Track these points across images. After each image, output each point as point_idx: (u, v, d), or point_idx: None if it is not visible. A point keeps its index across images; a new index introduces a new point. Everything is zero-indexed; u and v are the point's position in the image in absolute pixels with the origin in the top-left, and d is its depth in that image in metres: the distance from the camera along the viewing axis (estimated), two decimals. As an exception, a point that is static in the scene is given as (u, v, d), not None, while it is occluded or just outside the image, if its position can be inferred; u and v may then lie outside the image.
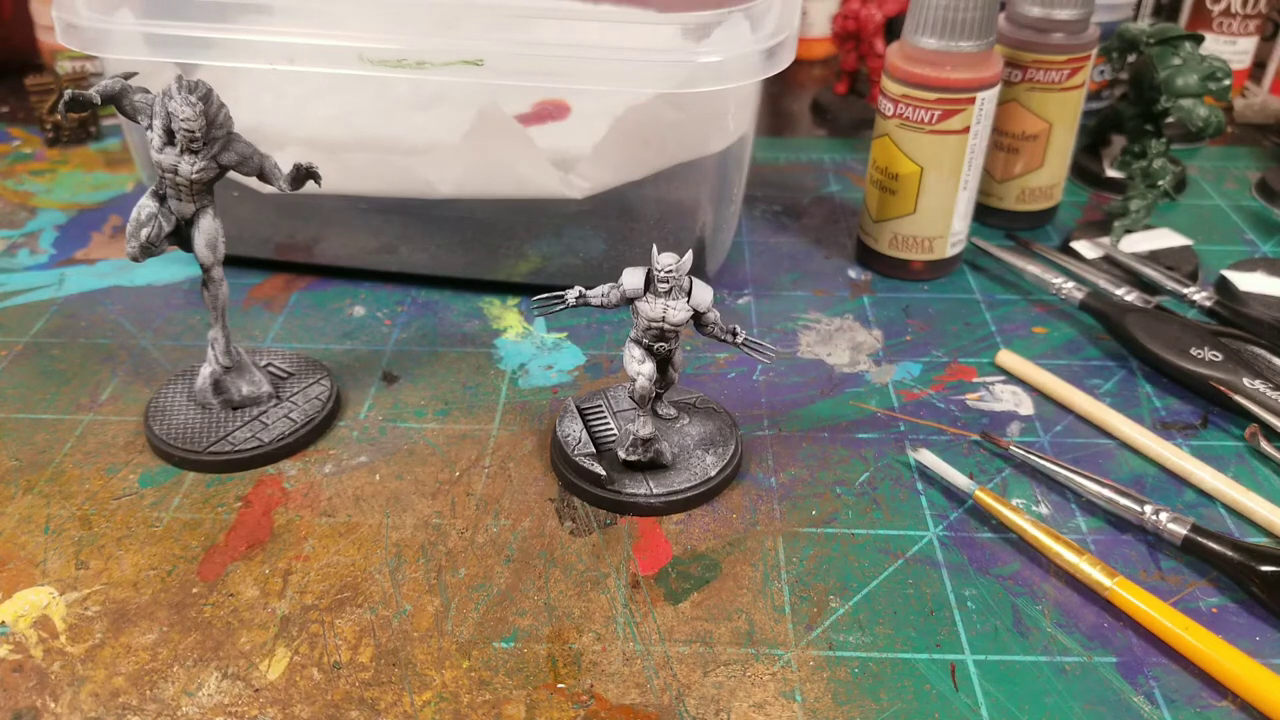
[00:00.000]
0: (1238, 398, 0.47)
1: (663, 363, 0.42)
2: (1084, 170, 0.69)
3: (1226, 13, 0.77)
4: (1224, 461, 0.45)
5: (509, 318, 0.54)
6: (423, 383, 0.49)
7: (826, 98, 0.81)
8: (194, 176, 0.41)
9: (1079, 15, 0.57)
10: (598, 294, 0.40)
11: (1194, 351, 0.48)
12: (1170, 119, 0.58)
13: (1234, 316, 0.52)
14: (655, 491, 0.42)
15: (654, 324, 0.40)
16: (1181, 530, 0.39)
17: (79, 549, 0.40)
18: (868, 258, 0.59)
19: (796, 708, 0.34)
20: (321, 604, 0.38)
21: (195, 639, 0.36)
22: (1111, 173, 0.67)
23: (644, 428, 0.42)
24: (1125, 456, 0.45)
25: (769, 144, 0.75)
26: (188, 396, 0.46)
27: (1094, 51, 0.59)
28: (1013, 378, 0.50)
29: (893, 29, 0.78)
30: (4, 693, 0.34)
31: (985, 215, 0.63)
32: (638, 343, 0.41)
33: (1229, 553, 0.38)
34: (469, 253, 0.55)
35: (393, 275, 0.57)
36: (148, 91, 0.41)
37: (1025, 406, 0.48)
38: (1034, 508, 0.42)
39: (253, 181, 0.45)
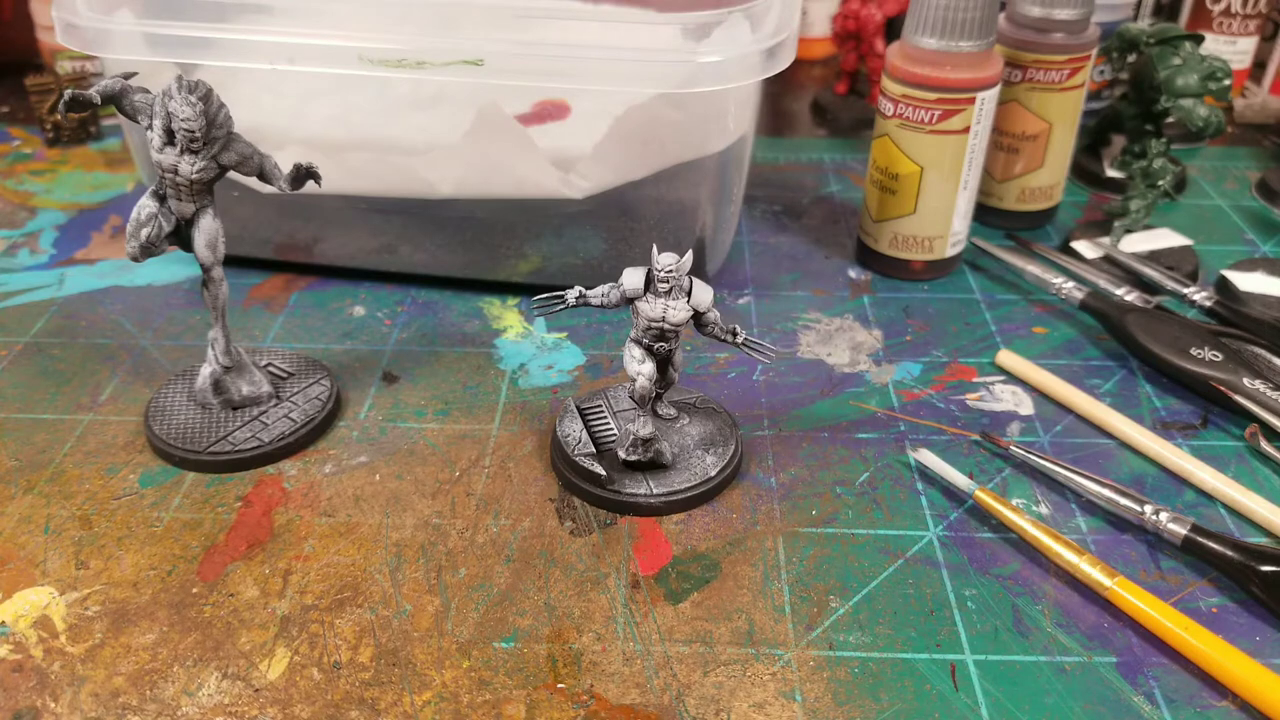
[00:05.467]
0: (1238, 398, 0.47)
1: (663, 363, 0.42)
2: (1084, 170, 0.69)
3: (1226, 13, 0.77)
4: (1224, 461, 0.45)
5: (509, 318, 0.54)
6: (423, 383, 0.49)
7: (826, 98, 0.81)
8: (194, 176, 0.41)
9: (1079, 15, 0.57)
10: (598, 294, 0.40)
11: (1194, 351, 0.48)
12: (1170, 119, 0.58)
13: (1234, 316, 0.52)
14: (655, 491, 0.42)
15: (654, 324, 0.40)
16: (1181, 530, 0.39)
17: (79, 549, 0.40)
18: (868, 258, 0.59)
19: (796, 708, 0.34)
20: (321, 604, 0.38)
21: (195, 639, 0.36)
22: (1111, 173, 0.67)
23: (644, 428, 0.42)
24: (1125, 456, 0.45)
25: (769, 144, 0.75)
26: (188, 396, 0.46)
27: (1094, 51, 0.59)
28: (1013, 378, 0.50)
29: (893, 29, 0.78)
30: (4, 693, 0.34)
31: (985, 215, 0.63)
32: (638, 343, 0.41)
33: (1229, 553, 0.38)
34: (469, 253, 0.55)
35: (393, 275, 0.57)
36: (148, 91, 0.40)
37: (1025, 406, 0.48)
38: (1034, 508, 0.42)
39: (253, 181, 0.45)
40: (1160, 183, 0.59)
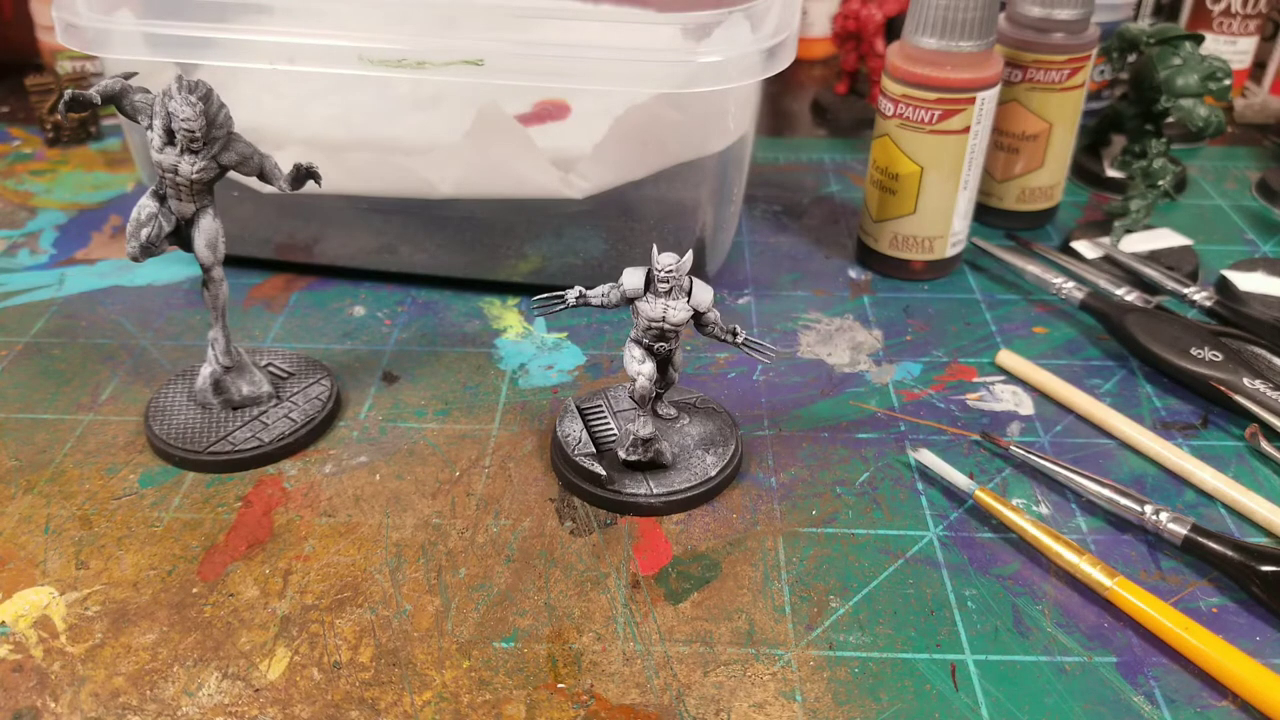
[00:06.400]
0: (1238, 398, 0.47)
1: (663, 363, 0.42)
2: (1084, 170, 0.69)
3: (1226, 13, 0.77)
4: (1224, 461, 0.45)
5: (509, 318, 0.54)
6: (423, 383, 0.49)
7: (826, 98, 0.81)
8: (194, 176, 0.41)
9: (1079, 15, 0.57)
10: (598, 294, 0.40)
11: (1194, 351, 0.48)
12: (1170, 119, 0.58)
13: (1234, 316, 0.52)
14: (655, 491, 0.42)
15: (654, 324, 0.40)
16: (1181, 530, 0.39)
17: (79, 549, 0.40)
18: (868, 258, 0.59)
19: (796, 708, 0.34)
20: (321, 604, 0.38)
21: (195, 639, 0.36)
22: (1111, 173, 0.67)
23: (644, 428, 0.42)
24: (1125, 456, 0.45)
25: (769, 144, 0.75)
26: (188, 396, 0.46)
27: (1094, 51, 0.59)
28: (1013, 378, 0.50)
29: (893, 29, 0.78)
30: (4, 693, 0.34)
31: (985, 215, 0.63)
32: (638, 343, 0.41)
33: (1229, 553, 0.38)
34: (469, 253, 0.55)
35: (393, 275, 0.57)
36: (148, 91, 0.41)
37: (1025, 406, 0.48)
38: (1034, 508, 0.42)
39: (253, 181, 0.45)
40: (1160, 183, 0.59)
